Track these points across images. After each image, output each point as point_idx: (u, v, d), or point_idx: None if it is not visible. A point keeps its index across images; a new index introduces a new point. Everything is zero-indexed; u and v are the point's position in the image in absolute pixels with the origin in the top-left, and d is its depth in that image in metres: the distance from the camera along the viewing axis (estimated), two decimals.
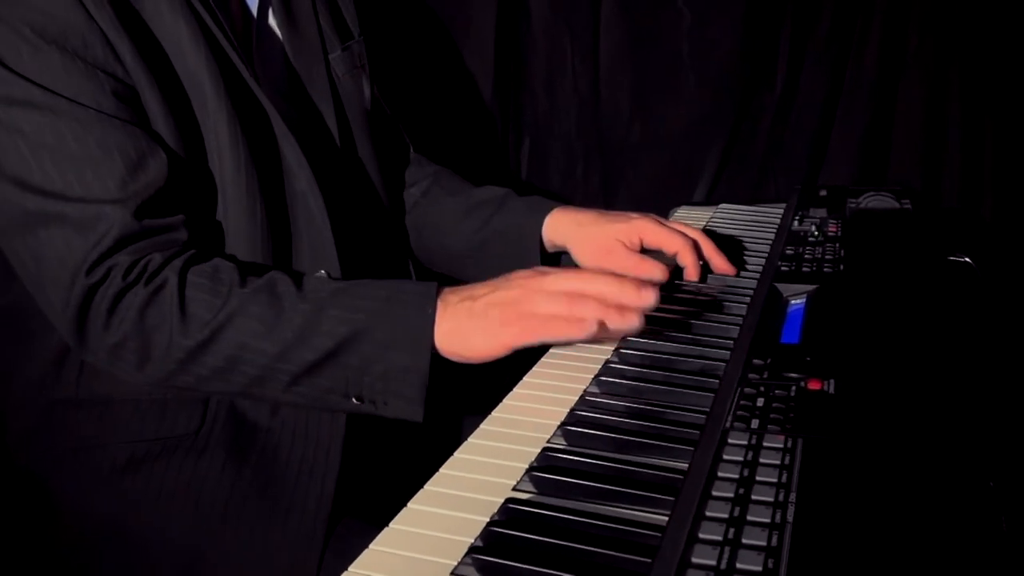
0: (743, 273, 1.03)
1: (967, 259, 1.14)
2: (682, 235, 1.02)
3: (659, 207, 1.41)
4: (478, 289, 0.83)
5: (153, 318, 0.82)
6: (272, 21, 1.00)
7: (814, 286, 0.93)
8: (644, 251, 1.02)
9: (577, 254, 1.06)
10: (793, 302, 0.91)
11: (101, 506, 0.90)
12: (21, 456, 0.95)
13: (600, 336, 0.79)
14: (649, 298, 0.80)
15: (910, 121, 1.54)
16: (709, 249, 1.03)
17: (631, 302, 0.80)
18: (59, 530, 0.92)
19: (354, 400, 0.83)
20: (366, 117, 1.09)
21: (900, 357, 0.77)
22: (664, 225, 1.02)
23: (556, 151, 1.55)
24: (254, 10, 0.98)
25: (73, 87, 0.81)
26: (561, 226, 1.07)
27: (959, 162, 1.53)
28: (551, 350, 0.84)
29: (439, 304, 0.81)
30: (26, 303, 0.88)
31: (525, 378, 0.80)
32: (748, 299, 0.92)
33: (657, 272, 0.97)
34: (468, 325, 0.80)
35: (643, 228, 1.01)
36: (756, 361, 0.75)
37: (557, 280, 0.81)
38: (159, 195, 0.84)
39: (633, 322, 0.79)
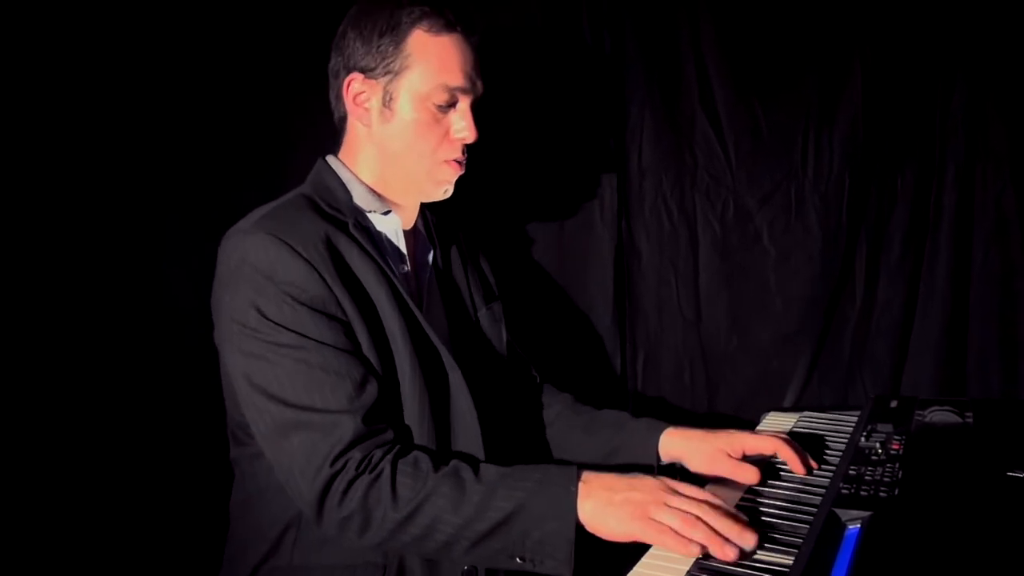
0: (810, 489, 1.23)
1: None
2: (774, 438, 1.29)
3: (754, 410, 1.68)
4: (617, 482, 1.09)
5: (373, 498, 1.10)
6: (438, 290, 1.36)
7: (869, 513, 1.05)
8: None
9: (689, 463, 1.34)
10: (850, 526, 1.05)
11: None
12: None
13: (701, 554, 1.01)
14: (750, 541, 1.02)
15: (986, 324, 1.72)
16: (795, 447, 1.29)
17: (734, 539, 1.02)
18: None
19: (518, 559, 1.08)
20: (503, 358, 1.43)
21: None
22: (758, 435, 1.30)
23: (666, 362, 1.84)
24: (425, 280, 1.34)
25: (317, 332, 1.15)
26: (674, 443, 1.36)
27: None
28: (652, 550, 1.04)
29: (581, 485, 1.07)
30: (268, 494, 1.20)
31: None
32: (809, 523, 1.09)
33: (753, 476, 1.24)
34: (607, 511, 1.06)
35: (743, 440, 1.30)
36: None
37: (682, 500, 1.06)
38: (375, 406, 1.15)
39: (731, 555, 1.00)
